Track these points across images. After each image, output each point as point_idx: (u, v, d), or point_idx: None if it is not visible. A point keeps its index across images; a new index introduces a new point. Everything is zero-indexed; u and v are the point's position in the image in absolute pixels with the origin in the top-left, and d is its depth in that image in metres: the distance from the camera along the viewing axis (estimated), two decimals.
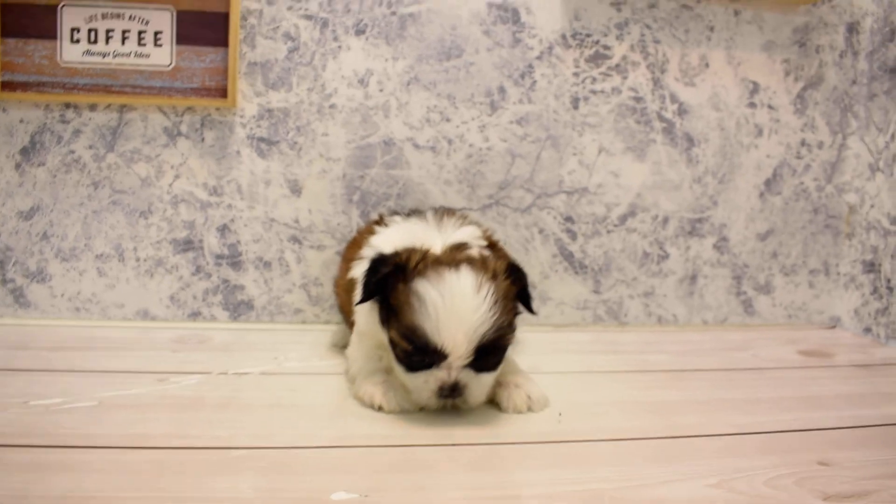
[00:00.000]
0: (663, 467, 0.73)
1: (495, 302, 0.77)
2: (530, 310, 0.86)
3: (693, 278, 1.30)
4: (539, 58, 1.20)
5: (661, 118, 1.25)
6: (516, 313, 0.84)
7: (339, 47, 1.15)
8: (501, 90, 1.20)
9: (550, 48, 1.20)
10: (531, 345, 1.09)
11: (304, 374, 0.95)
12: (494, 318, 0.77)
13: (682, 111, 1.26)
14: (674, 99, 1.25)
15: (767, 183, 1.31)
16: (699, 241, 1.29)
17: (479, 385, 0.80)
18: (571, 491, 0.67)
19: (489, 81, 1.19)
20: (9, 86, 1.12)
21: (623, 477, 0.70)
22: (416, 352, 0.78)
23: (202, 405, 0.83)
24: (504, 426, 0.82)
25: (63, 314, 1.15)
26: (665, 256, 1.28)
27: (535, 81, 1.20)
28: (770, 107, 1.29)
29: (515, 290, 0.83)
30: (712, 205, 1.29)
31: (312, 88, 1.15)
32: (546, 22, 1.20)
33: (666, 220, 1.27)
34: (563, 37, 1.21)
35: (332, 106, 1.16)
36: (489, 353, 0.79)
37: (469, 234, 0.89)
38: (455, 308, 0.76)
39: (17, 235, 1.14)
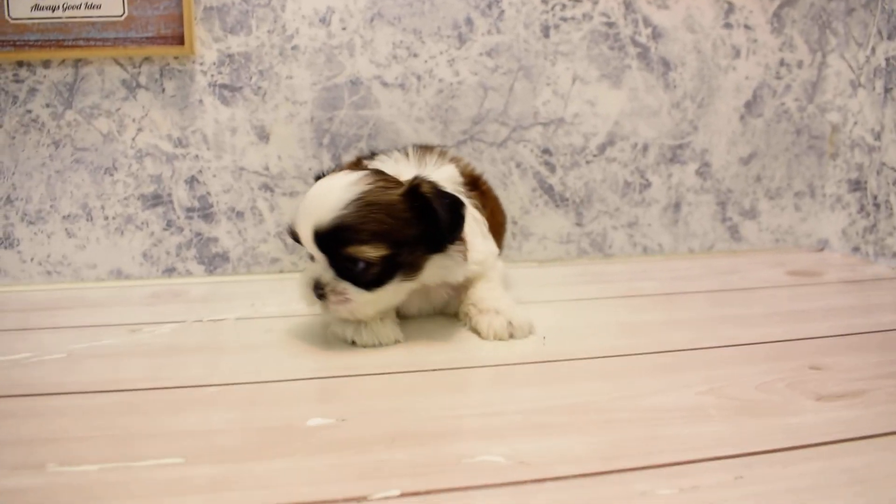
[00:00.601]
0: (653, 379, 0.71)
1: (360, 206, 0.75)
2: (432, 244, 0.79)
3: (677, 206, 1.27)
4: None
5: (635, 43, 1.22)
6: (401, 237, 0.77)
7: None
8: (469, 21, 1.16)
9: None
10: (515, 281, 1.07)
11: (282, 318, 0.93)
12: (347, 217, 0.74)
13: (656, 35, 1.22)
14: (647, 22, 1.21)
15: (748, 105, 1.28)
16: (681, 167, 1.27)
17: (358, 296, 0.77)
18: (558, 405, 0.65)
19: (455, 13, 1.15)
20: None
21: (612, 390, 0.68)
22: (292, 238, 0.80)
23: (176, 351, 0.81)
24: (487, 351, 0.80)
25: (35, 279, 1.12)
26: (647, 185, 1.26)
27: (502, 11, 1.17)
28: (747, 27, 1.26)
29: (409, 214, 0.77)
30: (693, 130, 1.26)
31: (273, 30, 1.12)
32: None
33: (646, 148, 1.25)
34: None
35: (295, 47, 1.12)
36: (346, 259, 0.76)
37: (445, 174, 0.87)
38: (313, 196, 0.78)
39: None
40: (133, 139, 1.11)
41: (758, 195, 1.31)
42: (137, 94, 1.11)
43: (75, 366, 0.77)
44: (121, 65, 1.10)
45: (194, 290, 1.08)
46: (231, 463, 0.55)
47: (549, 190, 1.22)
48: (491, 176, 1.18)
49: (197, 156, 1.12)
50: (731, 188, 1.29)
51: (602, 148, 1.23)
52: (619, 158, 1.24)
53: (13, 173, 1.10)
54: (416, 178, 0.79)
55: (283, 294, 1.03)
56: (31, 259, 1.12)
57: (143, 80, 1.11)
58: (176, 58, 1.10)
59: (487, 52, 1.17)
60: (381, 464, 0.54)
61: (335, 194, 0.75)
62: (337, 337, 0.82)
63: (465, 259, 0.83)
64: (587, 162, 1.23)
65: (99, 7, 1.08)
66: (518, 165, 1.20)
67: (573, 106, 1.21)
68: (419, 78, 1.15)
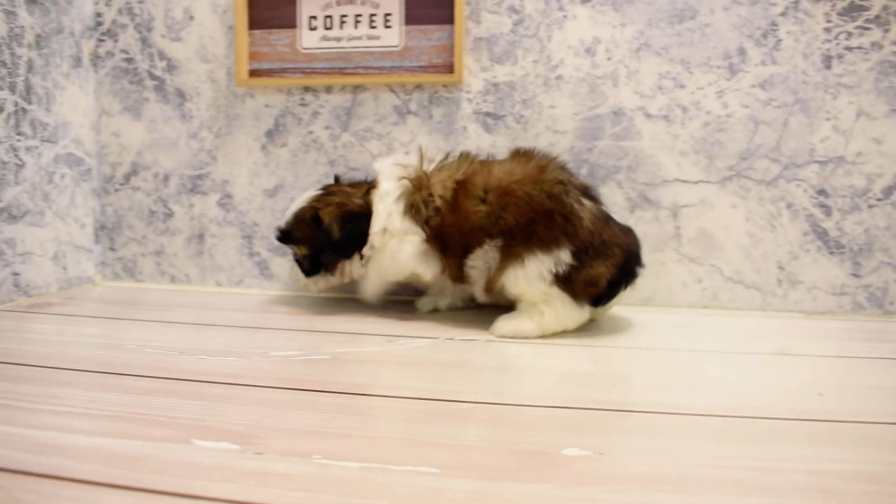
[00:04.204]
0: None
1: (296, 218, 1.05)
2: (340, 252, 1.04)
3: None
4: (783, 14, 1.09)
5: None
6: (317, 243, 1.04)
7: (565, 17, 1.12)
8: (741, 51, 1.10)
9: (796, 2, 1.09)
10: (778, 331, 0.97)
11: (530, 343, 0.91)
12: (289, 224, 1.05)
13: None
14: None
15: None
16: None
17: (303, 278, 1.09)
18: (844, 470, 0.56)
19: (727, 43, 1.10)
20: (255, 73, 1.20)
21: None
22: None
23: (428, 364, 0.82)
24: (758, 400, 0.72)
25: (309, 286, 1.20)
26: None
27: (779, 40, 1.09)
28: None
29: (318, 230, 1.02)
30: None
31: (538, 60, 1.13)
32: None
33: None
34: None
35: (559, 77, 1.13)
36: (291, 243, 1.07)
37: (385, 185, 1.02)
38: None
39: (263, 212, 1.21)
40: None
41: None
42: (407, 120, 1.16)
43: (336, 367, 0.80)
44: (394, 91, 1.17)
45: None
46: (487, 480, 0.53)
47: (822, 235, 1.11)
48: (757, 216, 1.10)
49: None
50: None
51: (888, 191, 1.10)
52: None
53: (293, 188, 1.20)
54: (318, 203, 1.03)
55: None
56: None
57: (413, 106, 1.16)
58: (445, 86, 1.15)
59: (760, 83, 1.10)
60: None
61: (291, 208, 1.06)
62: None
63: (365, 265, 1.03)
64: (869, 206, 1.10)
65: (379, 38, 1.16)
66: (789, 206, 1.10)
67: (856, 143, 1.09)
68: (685, 110, 1.11)
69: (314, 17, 1.18)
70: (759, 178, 1.11)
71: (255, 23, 1.19)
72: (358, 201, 1.02)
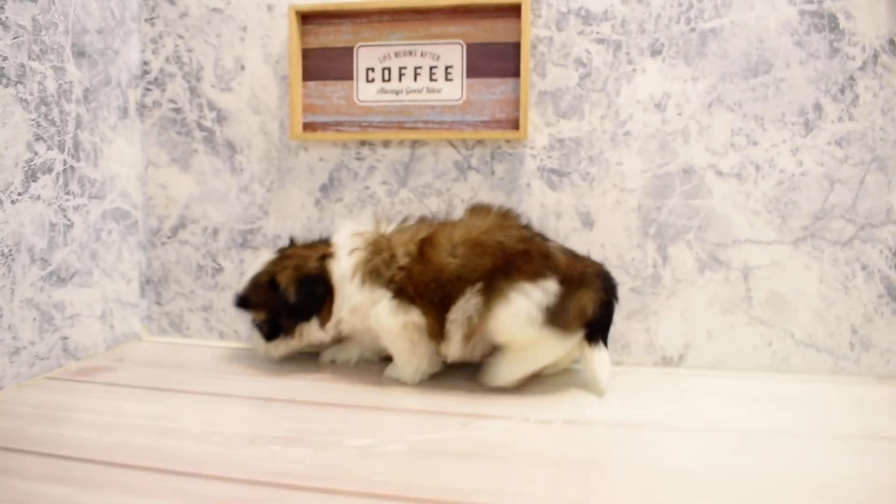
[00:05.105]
0: None
1: (252, 283, 1.05)
2: (298, 316, 1.04)
3: None
4: (862, 68, 1.05)
5: None
6: (274, 307, 1.03)
7: (634, 70, 1.08)
8: (817, 107, 1.06)
9: (875, 56, 1.05)
10: (857, 401, 0.94)
11: (609, 426, 0.87)
12: (246, 290, 1.05)
13: None
14: None
15: None
16: None
17: (262, 344, 1.09)
18: None
19: (803, 98, 1.06)
20: (310, 126, 1.16)
21: None
22: None
23: (525, 459, 0.78)
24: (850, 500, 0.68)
25: None
26: None
27: (857, 96, 1.05)
28: None
29: (274, 294, 1.02)
30: None
31: (605, 115, 1.09)
32: (869, 27, 1.05)
33: None
34: (892, 42, 1.05)
35: (627, 133, 1.09)
36: (249, 308, 1.06)
37: (341, 247, 1.02)
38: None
39: None
40: None
41: None
42: (468, 176, 1.13)
43: (420, 464, 0.76)
44: (454, 147, 1.13)
45: None
46: None
47: None
48: (831, 278, 1.06)
49: None
50: None
51: None
52: None
53: None
54: (275, 266, 1.03)
55: (587, 395, 0.98)
56: None
57: (474, 161, 1.13)
58: (508, 141, 1.11)
59: (837, 140, 1.06)
60: None
61: (248, 272, 1.06)
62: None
63: (324, 328, 1.04)
64: None
65: (439, 91, 1.12)
66: (864, 268, 1.07)
67: None
68: (758, 168, 1.07)
69: (372, 69, 1.14)
70: (833, 238, 1.07)
71: (309, 74, 1.15)
72: (314, 264, 1.02)
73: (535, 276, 0.91)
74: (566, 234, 1.11)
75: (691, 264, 1.09)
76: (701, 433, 0.85)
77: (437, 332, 0.96)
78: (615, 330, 1.11)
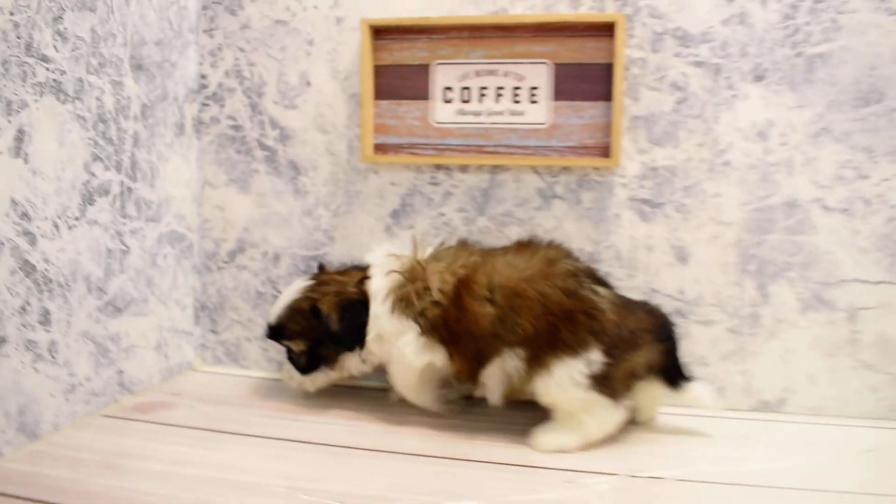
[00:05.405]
0: None
1: (289, 310, 0.98)
2: (342, 345, 0.97)
3: None
4: None
5: None
6: (313, 334, 0.97)
7: (735, 96, 1.01)
8: None
9: None
10: None
11: (725, 484, 0.81)
12: (281, 318, 0.98)
13: None
14: None
15: None
16: None
17: (298, 376, 1.02)
18: None
19: None
20: (381, 148, 1.09)
21: None
22: None
23: None
24: None
25: None
26: None
27: None
28: None
29: (317, 322, 0.95)
30: None
31: (703, 144, 1.02)
32: None
33: None
34: None
35: (726, 163, 1.02)
36: (286, 348, 1.01)
37: (378, 282, 0.94)
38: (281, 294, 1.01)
39: None
40: None
41: None
42: (552, 205, 1.06)
43: None
44: (538, 173, 1.06)
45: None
46: None
47: None
48: None
49: (608, 273, 1.04)
50: None
51: None
52: None
53: None
54: (314, 293, 0.97)
55: (691, 446, 0.91)
56: None
57: (559, 189, 1.05)
58: (596, 169, 1.04)
59: None
60: None
61: (281, 300, 0.99)
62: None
63: (365, 361, 0.97)
64: None
65: (523, 114, 1.05)
66: None
67: None
68: (867, 203, 1.00)
69: (449, 89, 1.06)
70: None
71: (381, 92, 1.08)
72: (353, 290, 0.96)
73: (576, 348, 0.85)
74: (657, 268, 1.04)
75: (793, 304, 1.02)
76: (821, 494, 0.79)
77: (467, 377, 0.92)
78: (708, 371, 1.04)
